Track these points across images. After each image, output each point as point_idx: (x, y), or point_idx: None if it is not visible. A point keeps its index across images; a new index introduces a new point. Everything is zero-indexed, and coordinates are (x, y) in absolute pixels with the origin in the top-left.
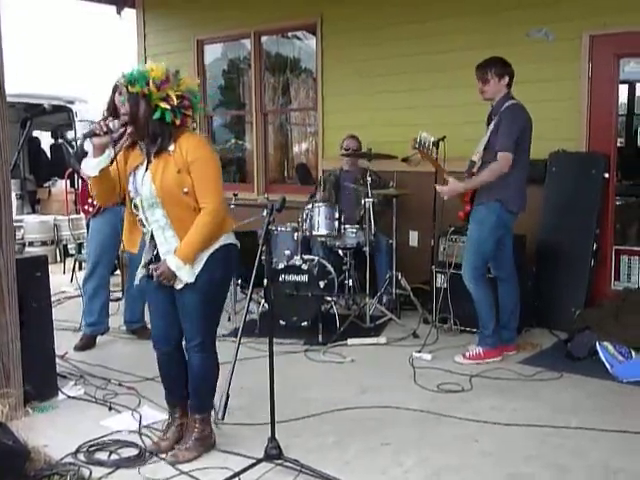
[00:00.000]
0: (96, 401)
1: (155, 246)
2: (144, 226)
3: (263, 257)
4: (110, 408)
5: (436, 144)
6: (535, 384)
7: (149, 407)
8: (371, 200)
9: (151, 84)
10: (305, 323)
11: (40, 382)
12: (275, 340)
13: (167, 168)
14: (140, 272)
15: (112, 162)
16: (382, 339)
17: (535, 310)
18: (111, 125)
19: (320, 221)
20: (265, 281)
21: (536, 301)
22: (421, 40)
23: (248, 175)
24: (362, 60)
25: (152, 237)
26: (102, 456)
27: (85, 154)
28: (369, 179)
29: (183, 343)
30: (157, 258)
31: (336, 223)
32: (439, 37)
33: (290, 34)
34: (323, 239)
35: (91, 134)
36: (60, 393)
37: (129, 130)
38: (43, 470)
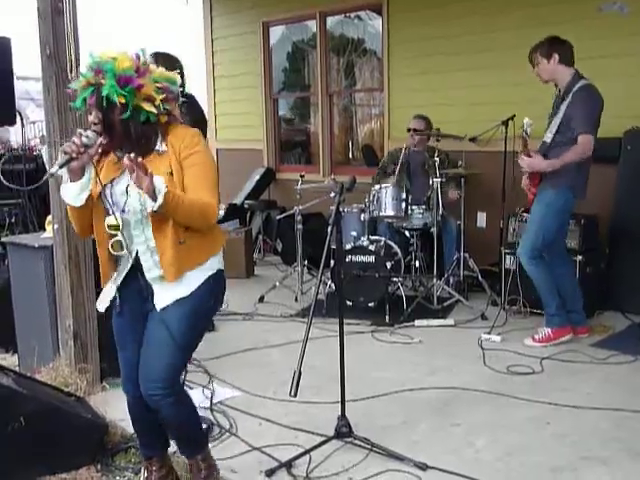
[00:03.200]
0: None
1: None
2: (121, 249)
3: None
4: (183, 384)
5: (505, 123)
6: (608, 367)
7: (219, 384)
8: (439, 180)
9: (117, 80)
10: (372, 304)
11: (116, 359)
12: (344, 321)
13: (157, 171)
14: (104, 299)
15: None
16: (450, 321)
17: (608, 293)
18: (85, 139)
19: (387, 202)
20: (332, 262)
21: (609, 283)
22: (488, 17)
23: (313, 157)
24: (428, 39)
25: (136, 261)
26: None
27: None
28: (437, 159)
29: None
30: (133, 283)
31: (403, 204)
32: (507, 13)
33: (353, 15)
34: (390, 220)
35: (67, 161)
36: None
37: (103, 140)
38: (120, 443)
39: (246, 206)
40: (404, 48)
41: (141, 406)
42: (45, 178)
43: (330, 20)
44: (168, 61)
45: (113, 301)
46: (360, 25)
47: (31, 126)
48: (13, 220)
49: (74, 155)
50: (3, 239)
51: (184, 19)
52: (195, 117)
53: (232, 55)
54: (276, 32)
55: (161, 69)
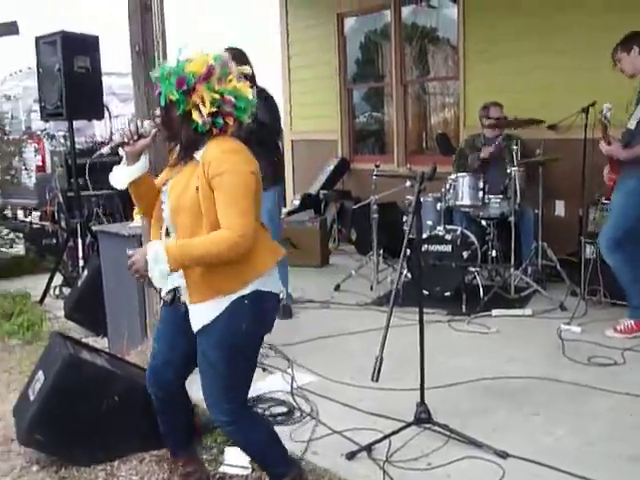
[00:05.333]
0: None
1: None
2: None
3: (405, 227)
4: (264, 369)
5: (585, 110)
6: None
7: (298, 369)
8: (516, 169)
9: (182, 87)
10: (448, 293)
11: None
12: (416, 309)
13: (190, 181)
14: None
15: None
16: (528, 311)
17: None
18: (141, 129)
19: (464, 191)
20: (408, 251)
21: None
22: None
23: (387, 146)
24: (505, 25)
25: None
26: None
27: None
28: (514, 147)
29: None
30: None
31: (480, 193)
32: None
33: (424, 3)
34: (466, 209)
35: (118, 145)
36: None
37: (159, 133)
38: (206, 423)
39: (321, 196)
40: (479, 34)
41: (163, 405)
42: (94, 157)
43: (403, 9)
44: (238, 55)
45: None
46: (433, 13)
47: (114, 120)
48: (101, 210)
49: (125, 140)
50: (94, 228)
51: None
52: (270, 113)
53: (307, 46)
54: (348, 23)
55: (241, 84)
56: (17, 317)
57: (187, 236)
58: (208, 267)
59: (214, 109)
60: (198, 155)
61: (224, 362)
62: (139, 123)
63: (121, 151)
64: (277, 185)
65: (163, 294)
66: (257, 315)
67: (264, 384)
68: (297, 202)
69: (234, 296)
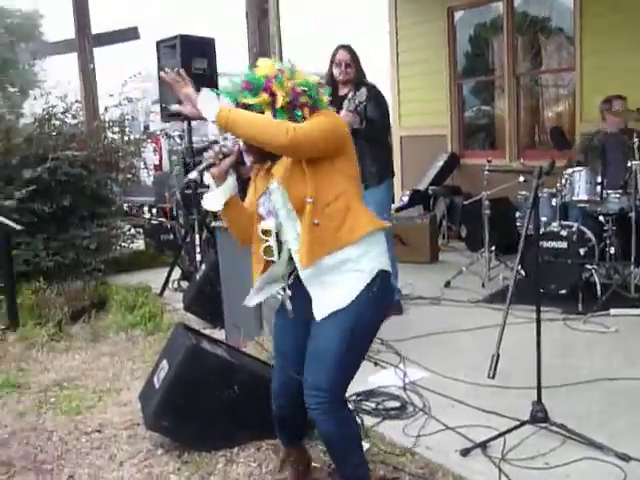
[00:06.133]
0: None
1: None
2: (272, 254)
3: (518, 223)
4: (376, 364)
5: None
6: None
7: (409, 365)
8: (638, 163)
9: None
10: (564, 291)
11: None
12: (533, 307)
13: (276, 175)
14: (255, 298)
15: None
16: None
17: None
18: (224, 148)
19: (580, 186)
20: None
21: None
22: None
23: (498, 141)
24: (625, 13)
25: (290, 261)
26: (369, 407)
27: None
28: (636, 141)
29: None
30: (294, 286)
31: (598, 188)
32: None
33: None
34: (583, 205)
35: (206, 167)
36: None
37: (242, 146)
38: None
39: (430, 192)
40: (598, 24)
41: (286, 412)
42: (185, 182)
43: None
44: (349, 52)
45: (282, 303)
46: (546, 2)
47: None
48: None
49: (211, 161)
50: (213, 224)
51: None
52: (380, 110)
53: (416, 42)
54: (456, 16)
55: (305, 76)
56: (139, 309)
57: (303, 205)
58: (321, 207)
59: (288, 100)
60: None
61: (345, 347)
62: (221, 142)
63: (206, 178)
64: (387, 181)
65: (251, 304)
66: (380, 299)
67: (376, 378)
68: (406, 198)
69: (364, 275)
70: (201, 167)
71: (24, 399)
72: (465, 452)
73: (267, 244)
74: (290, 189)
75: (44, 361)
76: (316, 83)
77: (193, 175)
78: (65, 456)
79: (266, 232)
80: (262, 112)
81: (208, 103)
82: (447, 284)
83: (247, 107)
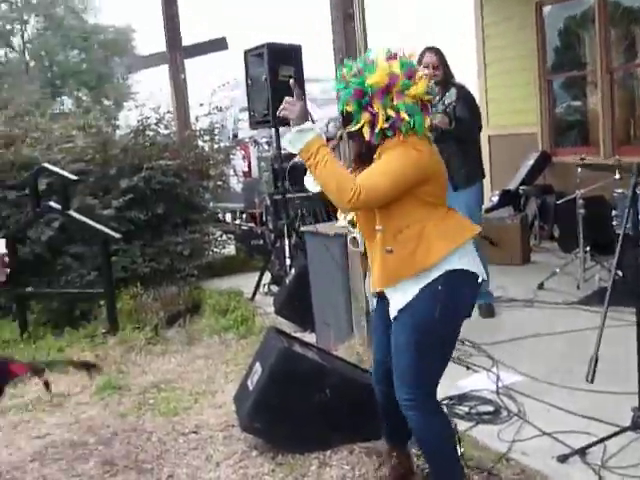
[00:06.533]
0: (453, 360)
1: None
2: (357, 245)
3: (615, 222)
4: (468, 368)
5: None
6: None
7: (502, 369)
8: None
9: (358, 99)
10: None
11: None
12: (631, 310)
13: None
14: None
15: None
16: None
17: None
18: (327, 132)
19: None
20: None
21: None
22: None
23: (592, 137)
24: None
25: None
26: (462, 411)
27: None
28: None
29: None
30: None
31: None
32: None
33: None
34: None
35: None
36: None
37: (344, 134)
38: None
39: (520, 192)
40: None
41: (387, 401)
42: (290, 164)
43: None
44: (437, 53)
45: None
46: None
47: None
48: (304, 211)
49: None
50: (302, 228)
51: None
52: (470, 110)
53: (503, 39)
54: (544, 11)
55: (420, 91)
56: (231, 313)
57: (373, 226)
58: (392, 234)
59: (386, 125)
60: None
61: (415, 346)
62: (328, 126)
63: (296, 157)
64: (477, 182)
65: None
66: (452, 298)
67: (468, 382)
68: (496, 199)
69: (426, 279)
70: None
71: (124, 400)
72: (563, 458)
73: (352, 235)
74: (359, 217)
75: (142, 364)
76: (421, 109)
77: (296, 158)
78: (164, 456)
79: (350, 223)
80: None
81: (304, 132)
82: (540, 286)
83: (350, 115)
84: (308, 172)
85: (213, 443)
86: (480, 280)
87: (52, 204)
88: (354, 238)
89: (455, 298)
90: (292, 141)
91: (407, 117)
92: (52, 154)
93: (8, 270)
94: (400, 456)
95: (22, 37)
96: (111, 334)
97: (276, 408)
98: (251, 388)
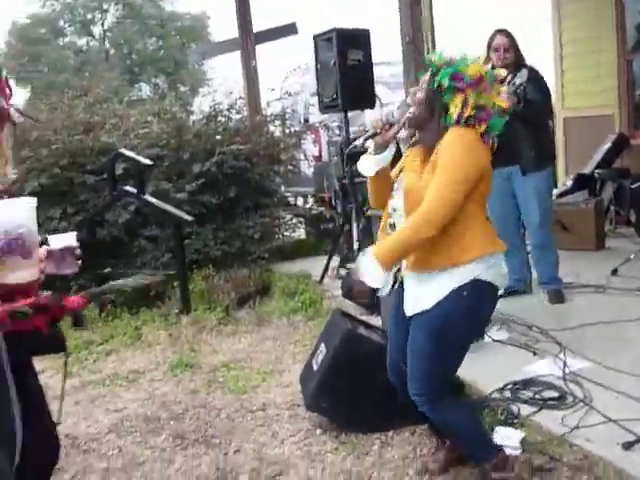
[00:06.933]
0: (520, 346)
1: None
2: (392, 230)
3: None
4: (534, 353)
5: None
6: None
7: (570, 355)
8: None
9: (455, 81)
10: None
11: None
12: None
13: (424, 167)
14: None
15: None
16: None
17: None
18: (392, 118)
19: None
20: None
21: None
22: None
23: None
24: None
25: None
26: (526, 396)
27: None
28: None
29: None
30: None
31: None
32: None
33: None
34: None
35: (370, 136)
36: (486, 336)
37: (408, 120)
38: (476, 402)
39: (596, 175)
40: None
41: (405, 393)
42: (349, 148)
43: None
44: (508, 35)
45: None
46: None
47: (384, 108)
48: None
49: (377, 131)
50: (369, 212)
51: None
52: (541, 92)
53: (579, 19)
54: None
55: (503, 92)
56: (300, 295)
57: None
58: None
59: (472, 112)
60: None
61: (434, 347)
62: (390, 112)
63: (368, 142)
64: (547, 166)
65: (382, 293)
66: (473, 306)
67: (534, 368)
68: (570, 183)
69: (456, 278)
70: (366, 135)
71: (195, 378)
72: (628, 445)
73: (391, 220)
74: (407, 195)
75: (213, 343)
76: (502, 115)
77: (358, 142)
78: (232, 431)
79: (394, 210)
80: (448, 107)
81: (369, 267)
82: (614, 272)
83: (441, 91)
84: (363, 156)
85: (279, 421)
86: (501, 292)
87: (128, 188)
88: (393, 224)
89: (478, 308)
90: (368, 164)
91: (493, 114)
92: (129, 140)
93: (80, 262)
94: (451, 446)
95: (102, 26)
96: (184, 314)
97: (340, 388)
98: (315, 368)
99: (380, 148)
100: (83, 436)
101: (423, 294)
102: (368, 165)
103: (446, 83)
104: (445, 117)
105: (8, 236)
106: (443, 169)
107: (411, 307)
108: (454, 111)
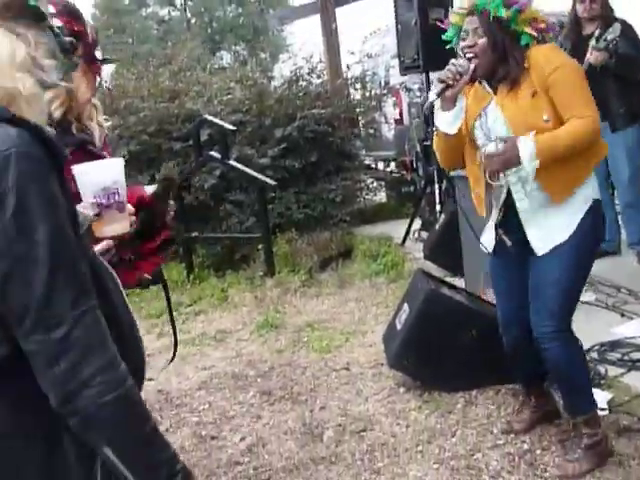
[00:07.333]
0: (607, 307)
1: (507, 206)
2: (496, 179)
3: None
4: (622, 315)
5: None
6: None
7: None
8: None
9: (506, 5)
10: None
11: None
12: None
13: (519, 94)
14: (487, 238)
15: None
16: None
17: None
18: (459, 67)
19: None
20: None
21: None
22: None
23: None
24: None
25: (508, 193)
26: (614, 357)
27: None
28: None
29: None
30: (508, 222)
31: None
32: None
33: None
34: None
35: (444, 89)
36: None
37: (475, 66)
38: None
39: None
40: None
41: (520, 345)
42: (425, 107)
43: None
44: None
45: (497, 243)
46: None
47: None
48: None
49: (450, 82)
50: (452, 173)
51: None
52: (635, 46)
53: None
54: None
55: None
56: (382, 258)
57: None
58: (562, 161)
59: (542, 25)
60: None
61: (573, 276)
62: (455, 62)
63: (431, 96)
64: (638, 123)
65: (489, 249)
66: (598, 227)
67: (622, 329)
68: None
69: (580, 206)
70: (439, 89)
71: (281, 338)
72: None
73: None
74: (516, 124)
75: (297, 305)
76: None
77: (432, 98)
78: (317, 389)
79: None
80: (518, 31)
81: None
82: None
83: (502, 22)
84: (438, 114)
85: (363, 379)
86: None
87: (213, 153)
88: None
89: (600, 228)
90: (447, 121)
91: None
92: (212, 106)
93: (133, 218)
94: (539, 398)
95: None
96: (268, 276)
97: (423, 347)
98: (399, 327)
99: (450, 102)
100: (175, 392)
101: (555, 228)
102: (447, 122)
103: (504, 12)
104: (521, 38)
105: (107, 192)
106: (573, 86)
107: (541, 246)
108: (528, 29)
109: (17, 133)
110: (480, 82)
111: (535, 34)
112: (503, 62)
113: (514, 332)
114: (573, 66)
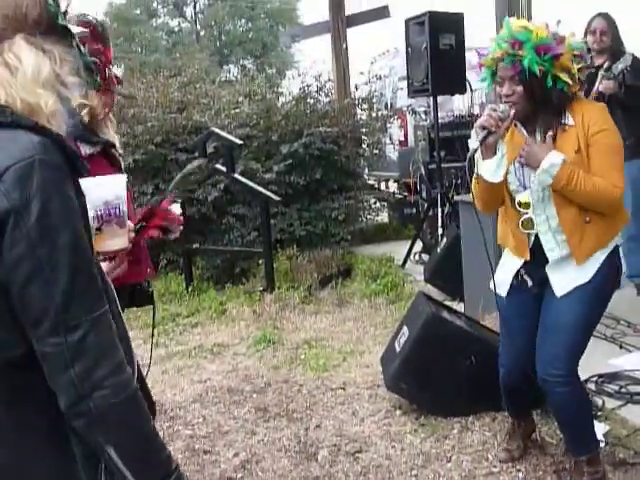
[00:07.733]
0: (606, 338)
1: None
2: (532, 227)
3: None
4: (621, 347)
5: None
6: None
7: None
8: None
9: (544, 53)
10: None
11: None
12: None
13: (563, 147)
14: (502, 279)
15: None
16: None
17: None
18: (500, 113)
19: None
20: None
21: None
22: None
23: None
24: None
25: (537, 241)
26: (611, 389)
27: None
28: None
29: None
30: (535, 264)
31: None
32: None
33: None
34: None
35: (486, 136)
36: None
37: (515, 113)
38: None
39: None
40: None
41: (515, 380)
42: (469, 155)
43: None
44: (607, 19)
45: (517, 281)
46: None
47: (473, 94)
48: (459, 181)
49: (493, 129)
50: (456, 198)
51: None
52: None
53: None
54: None
55: (575, 37)
56: (382, 278)
57: (569, 200)
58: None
59: (578, 65)
60: (567, 119)
61: (584, 320)
62: (496, 108)
63: (473, 144)
64: None
65: (503, 292)
66: (617, 272)
67: (621, 361)
68: None
69: (606, 251)
70: (481, 136)
71: (278, 354)
72: None
73: (527, 216)
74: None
75: (296, 321)
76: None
77: (475, 145)
78: (313, 407)
79: (524, 204)
80: (555, 77)
81: (549, 169)
82: None
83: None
84: (481, 162)
85: (359, 400)
86: None
87: (219, 166)
88: (529, 220)
89: (618, 271)
90: (540, 182)
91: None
92: (220, 119)
93: (182, 227)
94: (526, 425)
95: (194, 7)
96: (268, 292)
97: (421, 370)
98: (398, 350)
99: (491, 149)
100: (170, 403)
101: (580, 270)
102: (491, 170)
103: (537, 68)
104: (561, 86)
105: (108, 206)
106: (612, 152)
107: (563, 286)
108: (566, 77)
109: (39, 141)
110: (516, 125)
111: (569, 81)
112: (543, 108)
113: (515, 372)
114: (617, 135)
